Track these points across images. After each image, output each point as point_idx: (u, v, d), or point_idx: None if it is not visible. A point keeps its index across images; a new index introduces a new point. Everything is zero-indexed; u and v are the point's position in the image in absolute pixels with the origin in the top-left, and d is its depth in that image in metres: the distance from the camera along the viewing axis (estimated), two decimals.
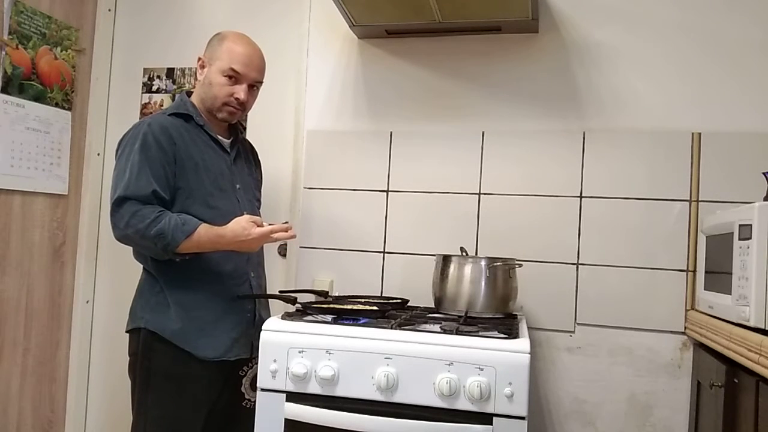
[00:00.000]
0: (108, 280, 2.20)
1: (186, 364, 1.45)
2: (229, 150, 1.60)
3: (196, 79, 1.60)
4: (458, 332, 1.32)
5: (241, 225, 1.43)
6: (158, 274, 1.48)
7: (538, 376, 1.77)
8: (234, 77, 1.51)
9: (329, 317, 1.45)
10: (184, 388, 1.45)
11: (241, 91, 1.52)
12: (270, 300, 1.66)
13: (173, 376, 1.45)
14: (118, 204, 1.40)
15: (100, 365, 2.20)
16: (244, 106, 1.55)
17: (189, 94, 1.61)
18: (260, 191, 1.77)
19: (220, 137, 1.58)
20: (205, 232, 1.41)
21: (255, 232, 1.42)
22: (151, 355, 1.46)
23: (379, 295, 1.89)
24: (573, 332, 1.76)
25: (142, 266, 1.54)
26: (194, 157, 1.49)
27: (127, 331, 1.52)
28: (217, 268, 1.50)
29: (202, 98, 1.55)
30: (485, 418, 1.24)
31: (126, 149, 1.46)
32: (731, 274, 1.31)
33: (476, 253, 1.81)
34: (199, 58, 1.56)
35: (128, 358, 1.51)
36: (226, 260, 1.51)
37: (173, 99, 2.15)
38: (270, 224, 1.45)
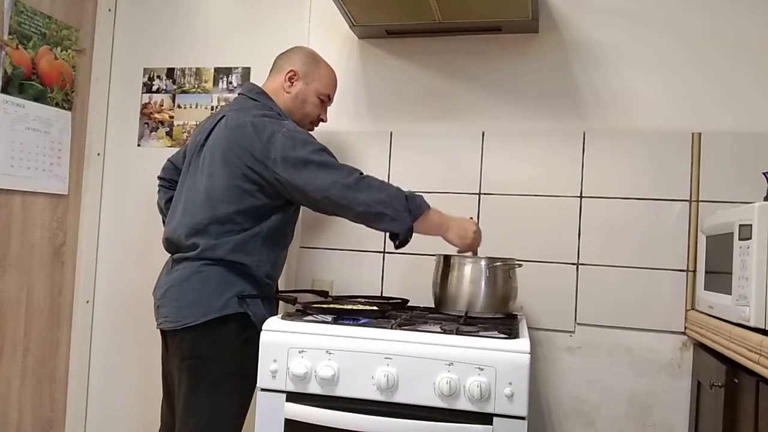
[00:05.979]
0: (108, 280, 2.20)
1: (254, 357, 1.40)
2: None
3: (251, 84, 1.64)
4: (458, 332, 1.32)
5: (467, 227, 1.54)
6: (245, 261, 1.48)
7: (538, 376, 1.77)
8: (325, 101, 1.68)
9: (329, 317, 1.45)
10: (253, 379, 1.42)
11: (326, 113, 1.72)
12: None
13: (249, 372, 1.42)
14: (360, 178, 1.43)
15: (100, 365, 2.20)
16: None
17: (259, 89, 1.61)
18: None
19: None
20: (435, 214, 1.51)
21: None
22: (237, 346, 1.42)
23: (379, 295, 1.89)
24: (573, 332, 1.76)
25: (184, 262, 1.47)
26: None
27: (191, 326, 1.40)
28: (280, 264, 1.61)
29: (291, 110, 1.62)
30: (485, 418, 1.24)
31: (310, 146, 1.45)
32: (731, 274, 1.31)
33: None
34: (291, 70, 1.62)
35: (182, 359, 1.43)
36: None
37: (173, 99, 2.15)
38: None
